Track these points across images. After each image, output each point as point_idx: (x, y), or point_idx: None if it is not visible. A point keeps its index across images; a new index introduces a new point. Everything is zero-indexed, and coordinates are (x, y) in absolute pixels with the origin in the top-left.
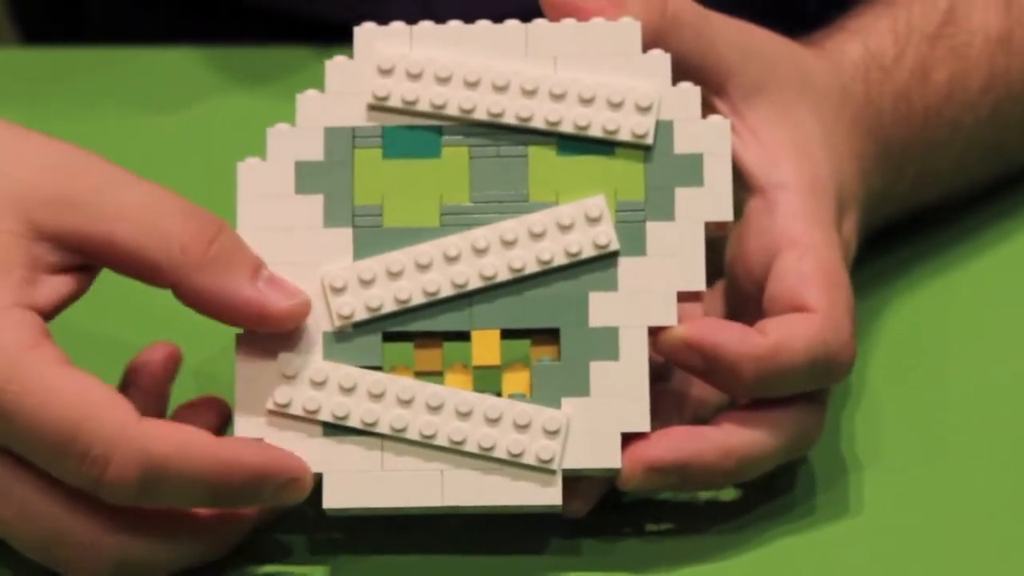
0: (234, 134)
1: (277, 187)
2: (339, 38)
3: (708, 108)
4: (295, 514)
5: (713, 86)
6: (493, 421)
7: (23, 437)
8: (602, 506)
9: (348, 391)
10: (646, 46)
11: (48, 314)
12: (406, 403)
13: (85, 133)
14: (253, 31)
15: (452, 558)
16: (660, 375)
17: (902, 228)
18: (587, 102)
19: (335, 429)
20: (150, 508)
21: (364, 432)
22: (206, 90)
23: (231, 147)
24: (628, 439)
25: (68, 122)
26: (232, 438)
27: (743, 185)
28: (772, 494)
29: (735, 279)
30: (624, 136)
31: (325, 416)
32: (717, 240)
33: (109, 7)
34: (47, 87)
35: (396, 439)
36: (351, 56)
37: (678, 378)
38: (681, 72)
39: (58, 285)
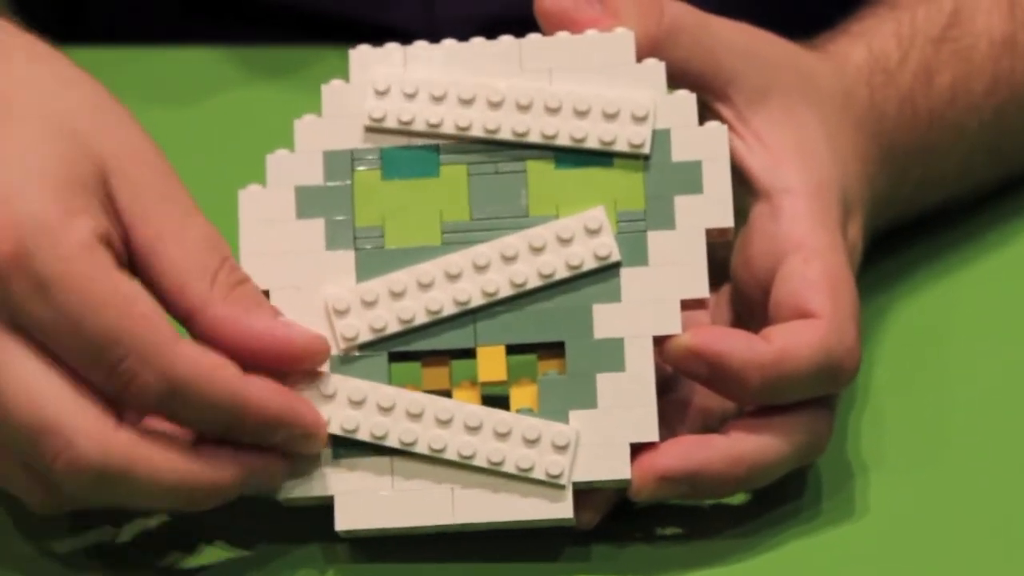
0: (236, 133)
1: (278, 212)
2: (342, 34)
3: (712, 114)
4: (306, 518)
5: (716, 92)
6: (502, 435)
7: (62, 333)
8: (611, 511)
9: (357, 404)
10: (645, 55)
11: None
12: (415, 416)
13: None
14: (257, 28)
15: (462, 564)
16: (667, 385)
17: (907, 230)
18: (582, 114)
19: (344, 450)
20: (154, 431)
21: (373, 452)
22: (209, 89)
23: (233, 146)
24: (637, 450)
25: None
26: (261, 378)
27: (748, 190)
28: (780, 499)
29: (741, 284)
30: (621, 147)
31: (334, 429)
32: (723, 246)
33: (112, 6)
34: None
35: (405, 456)
36: (354, 53)
37: (685, 388)
38: (683, 79)
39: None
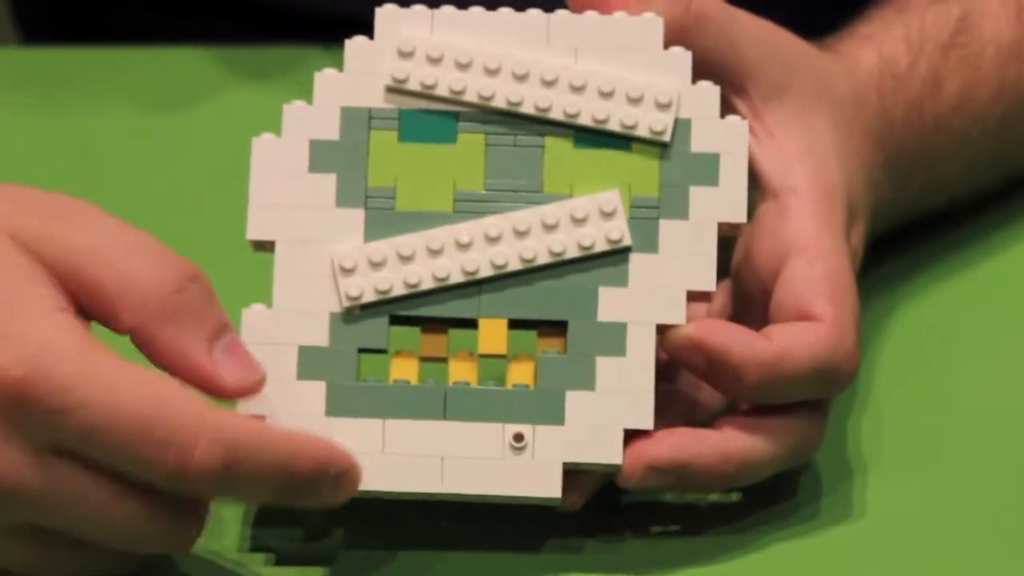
0: (235, 133)
1: (291, 164)
2: (347, 34)
3: (727, 107)
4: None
5: (734, 85)
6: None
7: (98, 435)
8: (603, 506)
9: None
10: (670, 42)
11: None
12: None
13: (86, 133)
14: (260, 29)
15: (450, 555)
16: (666, 377)
17: (909, 232)
18: (606, 96)
19: (337, 409)
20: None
21: (366, 414)
22: (208, 90)
23: (232, 147)
24: (630, 436)
25: (69, 123)
26: (294, 431)
27: (756, 187)
28: (774, 498)
29: (742, 281)
30: (642, 132)
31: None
32: (726, 240)
33: (113, 6)
34: (48, 87)
35: (398, 419)
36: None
37: (684, 381)
38: (703, 69)
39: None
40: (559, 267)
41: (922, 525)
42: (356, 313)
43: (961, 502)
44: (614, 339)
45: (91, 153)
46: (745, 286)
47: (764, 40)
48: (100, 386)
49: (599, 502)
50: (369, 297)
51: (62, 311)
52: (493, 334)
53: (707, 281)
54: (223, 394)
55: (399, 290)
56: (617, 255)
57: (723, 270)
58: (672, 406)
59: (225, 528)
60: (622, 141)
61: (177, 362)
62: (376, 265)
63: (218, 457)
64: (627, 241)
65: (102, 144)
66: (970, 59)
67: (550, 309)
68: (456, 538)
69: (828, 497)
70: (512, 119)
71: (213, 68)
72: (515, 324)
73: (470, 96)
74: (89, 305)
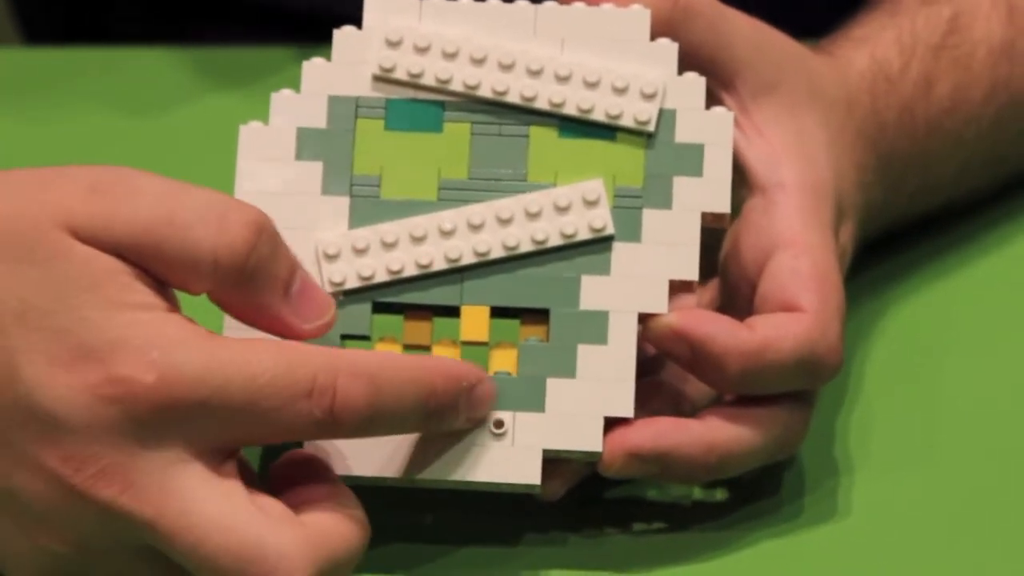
0: (233, 132)
1: (277, 152)
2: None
3: (716, 102)
4: None
5: (723, 80)
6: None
7: (245, 412)
8: (586, 502)
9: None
10: (657, 35)
11: None
12: None
13: (86, 133)
14: (260, 27)
15: (433, 548)
16: (643, 368)
17: (900, 233)
18: (592, 86)
19: None
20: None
21: None
22: (207, 90)
23: (227, 147)
24: (612, 424)
25: (69, 123)
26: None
27: (743, 183)
28: (759, 495)
29: (728, 276)
30: (626, 122)
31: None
32: (714, 237)
33: (110, 7)
34: (48, 87)
35: None
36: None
37: (661, 372)
38: (692, 64)
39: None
40: (542, 255)
41: (907, 524)
42: (339, 299)
43: (947, 501)
44: (596, 327)
45: (92, 153)
46: (731, 280)
47: (754, 38)
48: (229, 365)
49: (582, 498)
50: (352, 283)
51: (156, 305)
52: (475, 322)
53: (690, 271)
54: (300, 337)
55: (382, 276)
56: (600, 244)
57: (711, 269)
58: (657, 398)
59: None
60: (607, 131)
61: (255, 318)
62: (359, 252)
63: (360, 389)
64: (610, 230)
65: (102, 144)
66: (961, 60)
67: (532, 297)
68: (439, 532)
69: (813, 495)
70: (498, 108)
71: (213, 68)
72: (497, 312)
73: (456, 85)
74: (161, 274)
